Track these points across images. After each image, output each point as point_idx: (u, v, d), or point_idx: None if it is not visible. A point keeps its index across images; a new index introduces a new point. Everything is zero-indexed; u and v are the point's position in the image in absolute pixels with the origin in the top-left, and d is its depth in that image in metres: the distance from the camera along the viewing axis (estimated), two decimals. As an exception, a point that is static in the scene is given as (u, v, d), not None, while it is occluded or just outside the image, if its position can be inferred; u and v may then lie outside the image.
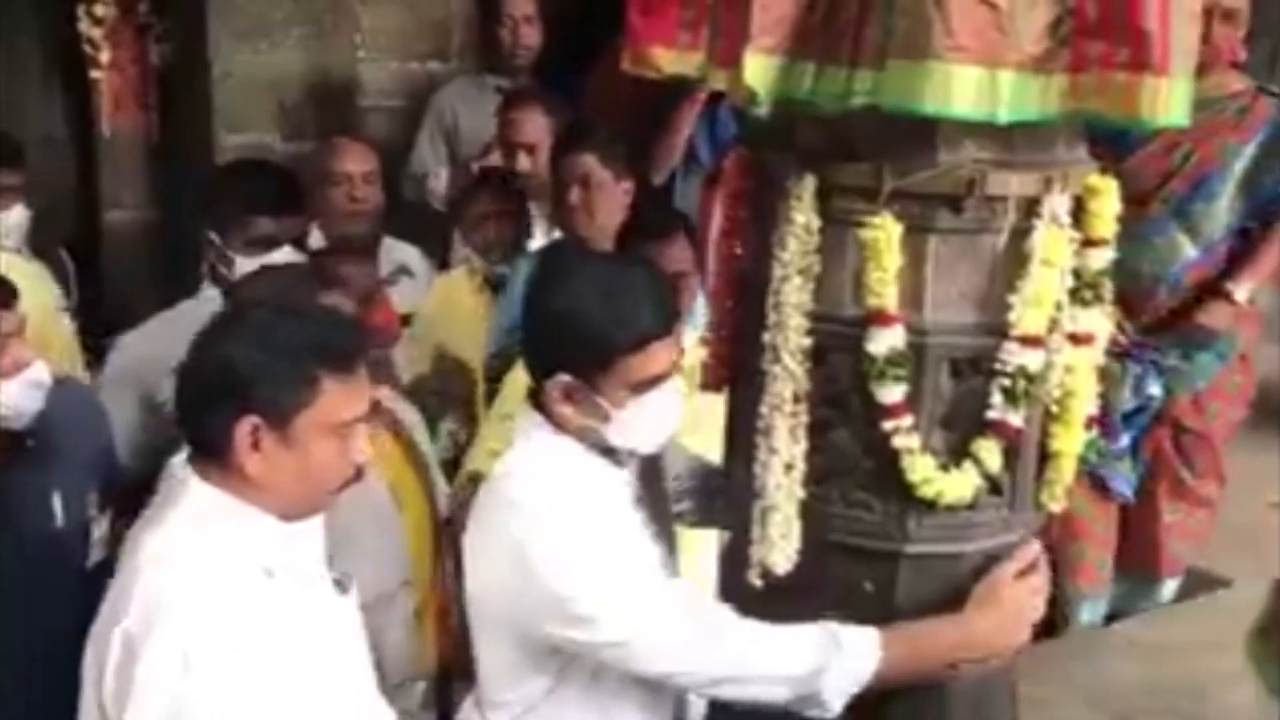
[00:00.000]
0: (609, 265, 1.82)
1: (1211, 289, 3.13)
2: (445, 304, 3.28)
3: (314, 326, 1.60)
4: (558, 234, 3.37)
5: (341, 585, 1.71)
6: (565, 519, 1.69)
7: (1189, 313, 3.14)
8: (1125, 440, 3.18)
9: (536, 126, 3.59)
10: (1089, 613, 3.20)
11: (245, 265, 2.65)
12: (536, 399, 1.77)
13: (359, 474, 1.61)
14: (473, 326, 3.21)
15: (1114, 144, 2.50)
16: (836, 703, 1.69)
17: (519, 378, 2.50)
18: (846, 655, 1.69)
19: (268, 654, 1.50)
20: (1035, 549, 1.88)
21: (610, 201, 3.05)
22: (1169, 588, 3.32)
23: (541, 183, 3.52)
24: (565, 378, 1.70)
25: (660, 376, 1.72)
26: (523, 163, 3.54)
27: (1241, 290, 3.11)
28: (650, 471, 1.86)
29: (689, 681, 1.73)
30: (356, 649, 1.72)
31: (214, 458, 1.57)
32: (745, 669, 1.69)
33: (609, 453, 1.76)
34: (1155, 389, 3.12)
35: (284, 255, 2.68)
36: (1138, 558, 3.28)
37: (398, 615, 2.30)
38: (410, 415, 2.47)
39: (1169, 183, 3.10)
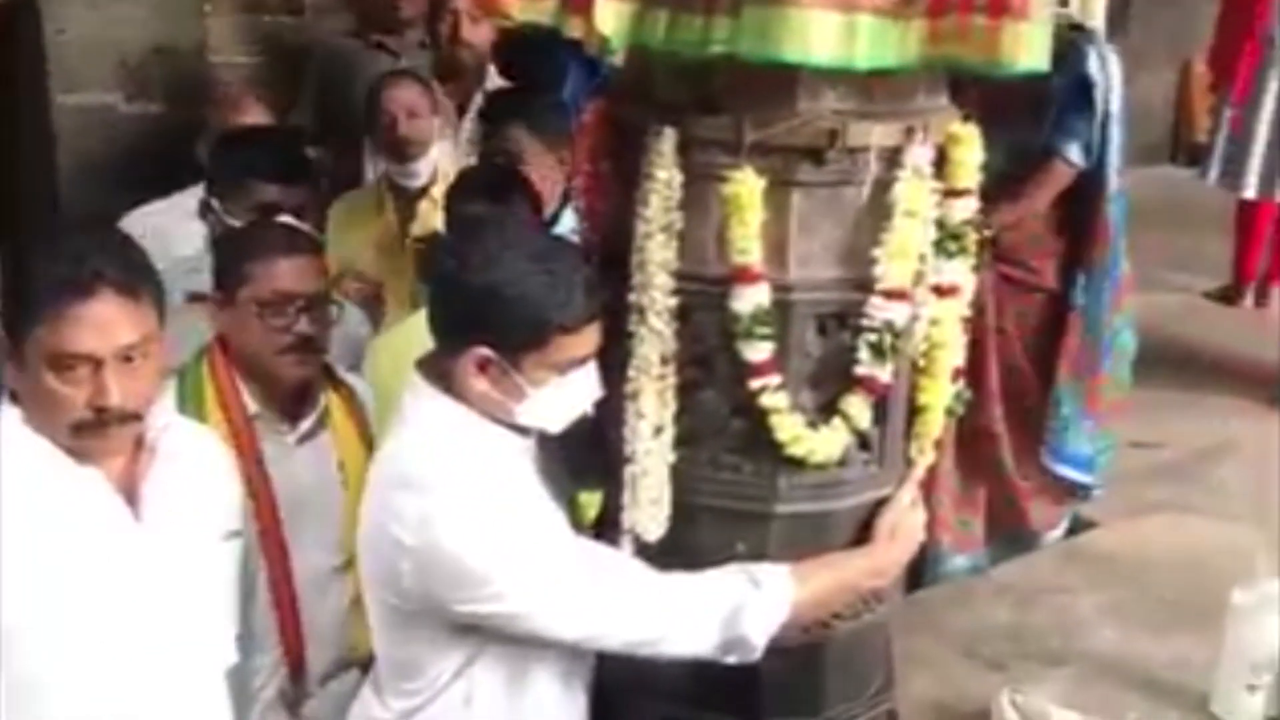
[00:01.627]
0: (543, 242, 1.74)
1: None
2: (346, 221, 3.16)
3: (60, 255, 1.56)
4: None
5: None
6: (471, 494, 1.62)
7: None
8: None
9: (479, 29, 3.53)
10: (959, 568, 3.23)
11: None
12: (433, 368, 1.69)
13: (101, 415, 1.55)
14: (375, 235, 3.11)
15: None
16: (760, 641, 1.68)
17: (388, 351, 2.42)
18: (764, 592, 1.68)
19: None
20: (917, 481, 1.89)
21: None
22: (1052, 538, 3.35)
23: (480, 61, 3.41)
24: (484, 351, 1.63)
25: (585, 358, 1.68)
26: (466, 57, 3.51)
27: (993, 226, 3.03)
28: (545, 441, 1.80)
29: (613, 643, 1.69)
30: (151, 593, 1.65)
31: None
32: (668, 623, 1.67)
33: (510, 424, 1.70)
34: None
35: None
36: (1007, 517, 3.31)
37: (332, 600, 2.19)
38: (366, 391, 2.33)
39: None
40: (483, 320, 1.63)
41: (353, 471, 2.21)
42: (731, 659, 1.70)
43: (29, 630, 1.55)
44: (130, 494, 1.63)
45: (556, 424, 1.71)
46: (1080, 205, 3.13)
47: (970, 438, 3.15)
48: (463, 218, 2.58)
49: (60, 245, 1.58)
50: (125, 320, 1.55)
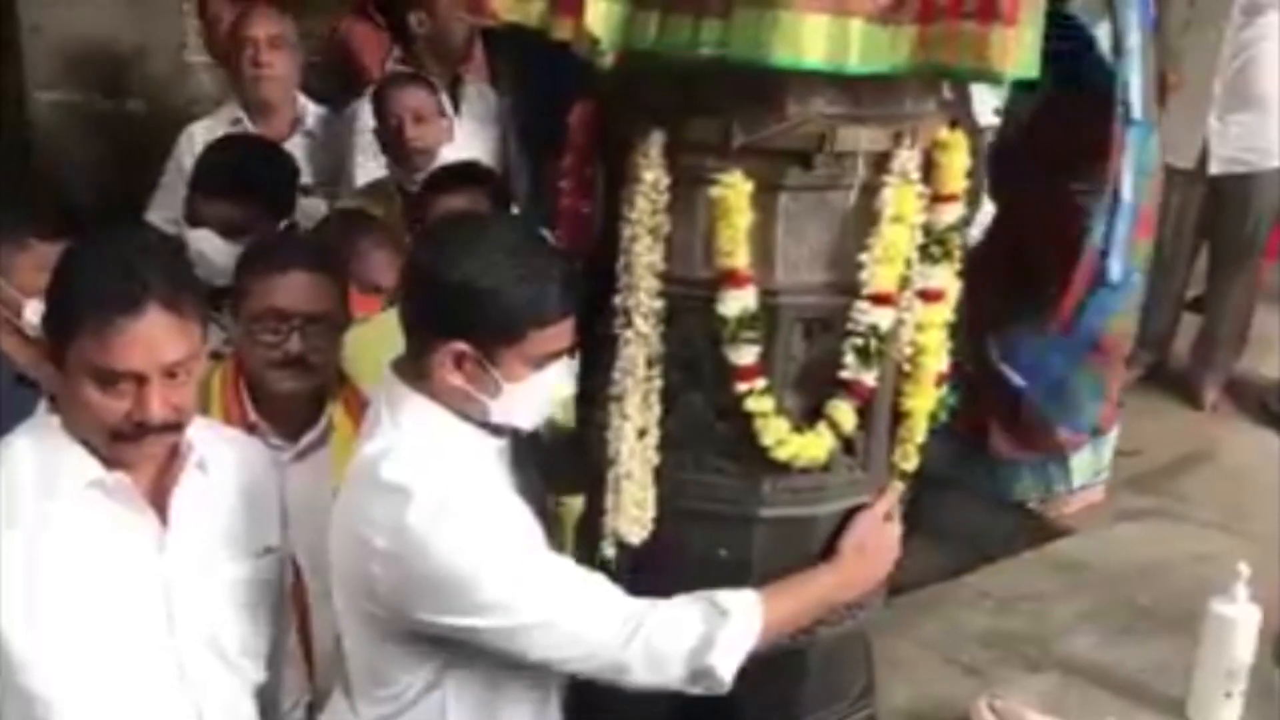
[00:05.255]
0: (519, 237, 1.72)
1: None
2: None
3: (108, 266, 1.54)
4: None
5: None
6: (459, 502, 1.60)
7: None
8: None
9: None
10: None
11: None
12: (408, 368, 1.68)
13: (139, 430, 1.54)
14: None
15: None
16: (728, 674, 1.65)
17: (361, 342, 2.40)
18: (732, 622, 1.65)
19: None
20: (895, 495, 1.89)
21: None
22: None
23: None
24: (461, 345, 1.62)
25: (560, 353, 1.67)
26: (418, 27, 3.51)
27: None
28: (519, 446, 1.79)
29: (577, 668, 1.66)
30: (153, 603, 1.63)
31: None
32: (633, 655, 1.63)
33: (484, 424, 1.68)
34: None
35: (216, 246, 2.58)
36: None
37: (323, 628, 2.08)
38: None
39: None
40: (458, 314, 1.62)
41: None
42: (699, 690, 1.68)
43: (44, 640, 1.52)
44: (160, 502, 1.61)
45: (529, 421, 1.70)
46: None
47: None
48: (438, 212, 2.58)
49: (108, 255, 1.55)
50: (172, 337, 1.52)
